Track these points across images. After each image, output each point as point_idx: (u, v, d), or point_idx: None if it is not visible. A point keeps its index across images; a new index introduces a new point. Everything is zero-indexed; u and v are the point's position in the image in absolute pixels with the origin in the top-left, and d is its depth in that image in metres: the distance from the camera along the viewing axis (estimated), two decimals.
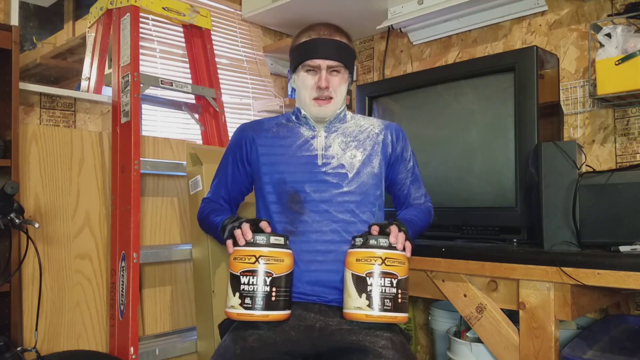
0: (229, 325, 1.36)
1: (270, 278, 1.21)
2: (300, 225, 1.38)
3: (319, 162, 1.43)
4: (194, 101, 2.14)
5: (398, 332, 1.30)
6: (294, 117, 1.50)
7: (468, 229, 1.74)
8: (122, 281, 1.67)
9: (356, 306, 1.21)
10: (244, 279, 1.22)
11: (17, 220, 1.39)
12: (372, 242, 1.23)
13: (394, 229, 1.26)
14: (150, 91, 1.98)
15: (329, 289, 1.35)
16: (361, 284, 1.21)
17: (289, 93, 2.62)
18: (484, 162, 1.71)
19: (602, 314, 1.85)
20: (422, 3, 2.21)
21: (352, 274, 1.23)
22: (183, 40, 2.16)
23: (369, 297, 1.19)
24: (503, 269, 1.43)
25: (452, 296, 1.56)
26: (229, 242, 1.28)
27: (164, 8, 1.92)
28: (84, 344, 1.73)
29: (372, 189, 1.43)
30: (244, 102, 2.52)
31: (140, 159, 1.71)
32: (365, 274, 1.21)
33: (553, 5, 2.06)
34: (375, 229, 1.27)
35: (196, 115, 2.13)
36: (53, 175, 1.73)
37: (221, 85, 2.13)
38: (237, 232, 1.26)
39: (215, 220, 1.44)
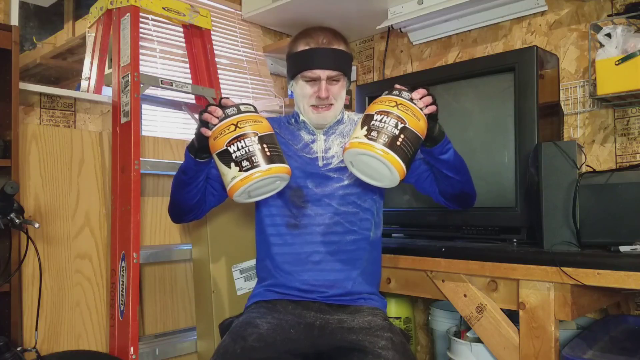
0: (229, 325, 1.36)
1: (256, 137, 1.19)
2: (303, 219, 1.40)
3: (320, 163, 1.44)
4: (194, 101, 2.14)
5: (398, 332, 1.30)
6: (293, 121, 1.50)
7: (468, 229, 1.74)
8: (122, 281, 1.66)
9: (355, 136, 1.19)
10: (232, 148, 1.18)
11: (17, 220, 1.39)
12: (394, 92, 1.22)
13: (421, 89, 1.23)
14: (150, 91, 1.97)
15: (330, 281, 1.35)
16: (367, 119, 1.19)
17: (289, 93, 2.62)
18: (483, 162, 1.71)
19: (602, 314, 1.85)
20: (422, 3, 2.21)
21: (365, 114, 1.22)
22: (183, 40, 2.15)
23: (368, 129, 1.17)
24: (503, 269, 1.43)
25: (452, 296, 1.56)
26: (204, 129, 1.23)
27: (164, 8, 1.91)
28: (84, 344, 1.73)
29: None
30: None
31: (140, 159, 1.71)
32: (374, 112, 1.19)
33: (553, 5, 2.05)
34: (399, 86, 1.25)
35: (196, 115, 2.13)
36: (53, 175, 1.73)
37: (221, 85, 2.13)
38: (206, 115, 1.23)
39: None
